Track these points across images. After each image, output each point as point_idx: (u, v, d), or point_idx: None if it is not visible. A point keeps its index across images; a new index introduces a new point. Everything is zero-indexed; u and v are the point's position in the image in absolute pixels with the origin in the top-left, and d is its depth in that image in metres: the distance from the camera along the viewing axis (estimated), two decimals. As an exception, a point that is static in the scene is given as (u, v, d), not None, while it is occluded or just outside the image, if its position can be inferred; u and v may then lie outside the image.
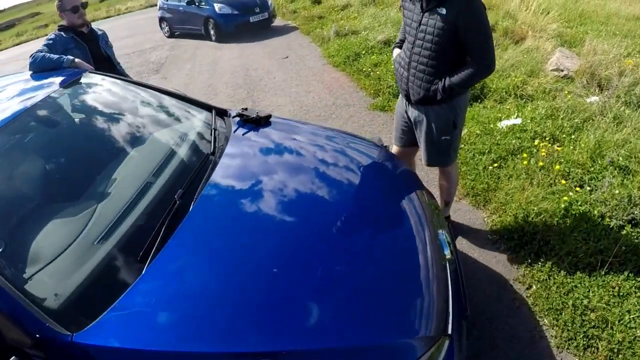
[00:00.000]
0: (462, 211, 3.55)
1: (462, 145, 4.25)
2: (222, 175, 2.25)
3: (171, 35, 13.62)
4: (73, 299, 1.64)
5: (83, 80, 2.91)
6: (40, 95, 2.54)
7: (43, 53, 3.18)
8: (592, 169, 3.51)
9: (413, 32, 2.66)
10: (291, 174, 2.31)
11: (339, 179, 2.35)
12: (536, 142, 3.95)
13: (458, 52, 2.56)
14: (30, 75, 3.02)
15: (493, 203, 3.49)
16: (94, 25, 3.89)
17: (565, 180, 3.46)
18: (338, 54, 7.80)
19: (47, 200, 2.18)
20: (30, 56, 3.14)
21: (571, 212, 3.11)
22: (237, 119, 2.83)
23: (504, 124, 4.43)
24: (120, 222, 1.94)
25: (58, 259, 1.78)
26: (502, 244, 3.15)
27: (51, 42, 3.46)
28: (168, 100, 3.00)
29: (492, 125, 4.44)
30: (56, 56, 3.16)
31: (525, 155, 3.80)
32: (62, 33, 3.59)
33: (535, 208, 3.21)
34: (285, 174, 2.30)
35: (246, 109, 2.88)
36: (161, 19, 13.87)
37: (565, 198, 3.21)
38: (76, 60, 3.21)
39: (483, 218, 3.44)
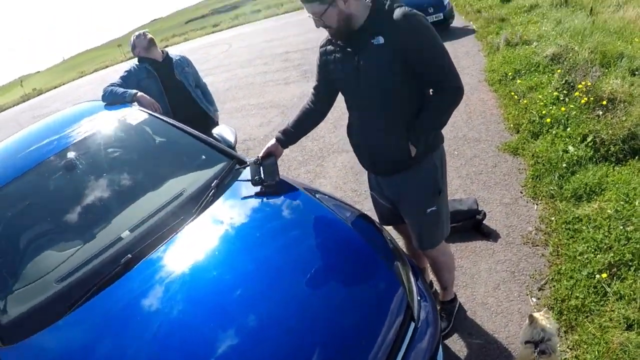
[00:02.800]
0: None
1: (578, 224, 3.27)
2: (182, 242, 2.23)
3: None
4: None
5: (127, 118, 3.10)
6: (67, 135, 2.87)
7: (112, 87, 3.46)
8: None
9: (352, 85, 2.14)
10: (251, 255, 2.16)
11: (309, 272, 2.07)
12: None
13: (413, 87, 2.07)
14: (100, 107, 3.33)
15: (576, 334, 2.56)
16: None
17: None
18: (499, 69, 6.74)
19: (34, 231, 2.54)
20: (103, 89, 3.46)
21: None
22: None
23: (655, 202, 3.25)
24: (79, 269, 2.14)
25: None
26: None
27: (126, 74, 3.77)
28: (193, 146, 2.96)
29: (636, 203, 3.28)
30: (122, 90, 3.40)
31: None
32: (137, 65, 3.87)
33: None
34: (243, 254, 2.16)
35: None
36: None
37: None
38: (138, 94, 3.40)
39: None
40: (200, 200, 2.40)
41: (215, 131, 3.22)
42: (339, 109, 2.58)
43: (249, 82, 10.73)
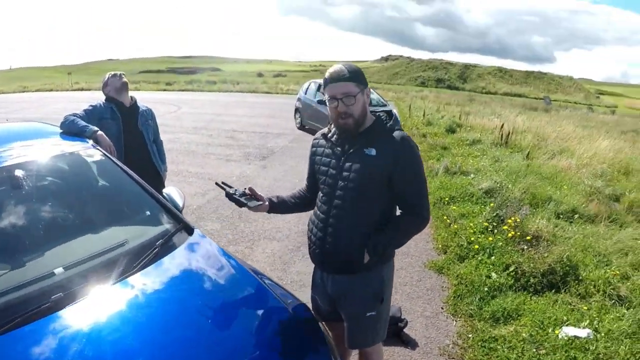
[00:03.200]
0: None
1: (494, 343, 3.30)
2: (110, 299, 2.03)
3: (301, 127, 14.19)
4: None
5: (81, 153, 2.95)
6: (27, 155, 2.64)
7: (74, 117, 3.35)
8: None
9: (331, 182, 2.19)
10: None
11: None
12: (587, 374, 2.85)
13: (385, 202, 2.16)
14: (54, 132, 3.20)
15: None
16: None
17: None
18: (435, 193, 7.11)
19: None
20: (64, 116, 3.34)
21: None
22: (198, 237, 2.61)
23: (565, 332, 3.35)
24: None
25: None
26: None
27: (91, 109, 3.70)
28: (142, 199, 2.83)
29: (549, 331, 3.39)
30: (83, 124, 3.29)
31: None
32: (103, 103, 3.82)
33: None
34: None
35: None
36: (296, 110, 14.72)
37: None
38: (98, 132, 3.29)
39: None
40: (142, 256, 2.27)
41: (165, 191, 3.14)
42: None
43: (191, 150, 10.65)
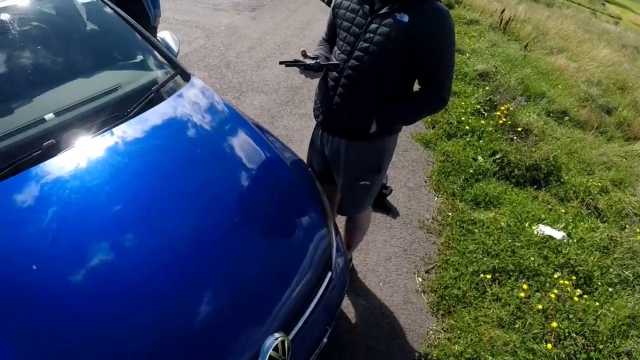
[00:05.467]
0: (413, 309, 2.69)
1: (472, 225, 3.37)
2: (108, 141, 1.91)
3: None
4: None
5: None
6: None
7: None
8: (602, 347, 2.51)
9: (351, 40, 2.00)
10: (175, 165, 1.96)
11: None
12: (556, 275, 2.95)
13: (404, 75, 1.99)
14: None
15: (452, 319, 2.61)
16: None
17: (555, 346, 2.49)
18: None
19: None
20: None
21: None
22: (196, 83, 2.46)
23: (541, 230, 3.43)
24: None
25: None
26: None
27: None
28: (136, 43, 2.60)
29: (525, 225, 3.45)
30: None
31: (526, 286, 2.83)
32: None
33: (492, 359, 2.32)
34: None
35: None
36: None
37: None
38: None
39: (428, 327, 2.59)
40: (137, 102, 2.10)
41: (160, 35, 2.86)
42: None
43: None
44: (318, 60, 1.96)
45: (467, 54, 7.59)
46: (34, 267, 1.39)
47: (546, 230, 3.43)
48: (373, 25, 1.92)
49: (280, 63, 1.93)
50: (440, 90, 1.98)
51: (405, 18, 1.85)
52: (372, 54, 1.93)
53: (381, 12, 1.90)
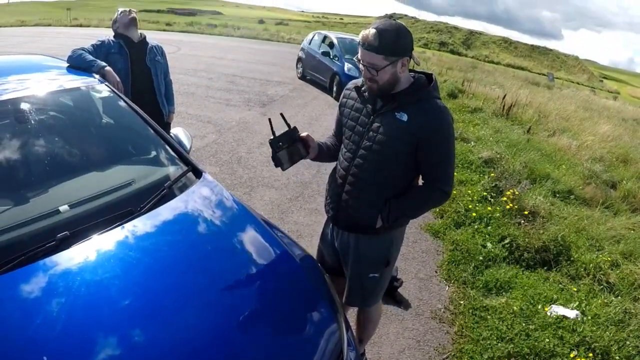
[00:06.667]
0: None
1: (485, 312, 3.39)
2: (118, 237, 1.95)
3: (302, 77, 14.00)
4: None
5: (88, 88, 2.82)
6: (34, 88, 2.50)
7: (81, 52, 3.25)
8: None
9: (356, 139, 2.11)
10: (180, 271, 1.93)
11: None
12: (572, 354, 2.95)
13: (408, 169, 2.08)
14: (60, 66, 3.04)
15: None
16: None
17: None
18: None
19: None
20: (72, 50, 3.24)
21: None
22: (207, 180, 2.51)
23: (554, 310, 3.45)
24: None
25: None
26: None
27: (99, 43, 3.64)
28: (150, 139, 2.72)
29: (538, 307, 3.48)
30: (91, 58, 3.20)
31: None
32: (112, 39, 3.76)
33: None
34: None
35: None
36: (298, 60, 14.48)
37: None
38: (106, 68, 3.22)
39: None
40: (149, 197, 2.19)
41: (173, 131, 3.05)
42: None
43: (190, 91, 10.42)
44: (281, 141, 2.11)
45: (472, 142, 7.91)
46: (44, 358, 1.42)
47: (559, 310, 3.45)
48: (375, 124, 2.04)
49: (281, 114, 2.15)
50: (442, 183, 2.06)
51: (405, 117, 1.97)
52: (376, 153, 2.04)
53: (382, 111, 2.03)
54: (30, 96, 2.45)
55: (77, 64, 3.10)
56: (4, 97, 2.32)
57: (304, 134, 2.20)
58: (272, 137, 2.13)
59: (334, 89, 11.55)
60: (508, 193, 5.32)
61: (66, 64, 3.09)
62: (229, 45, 24.03)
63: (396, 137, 2.00)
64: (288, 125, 2.17)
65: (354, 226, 2.23)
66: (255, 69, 14.82)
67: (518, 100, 12.77)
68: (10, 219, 1.89)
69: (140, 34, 3.89)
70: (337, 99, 11.28)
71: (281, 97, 10.98)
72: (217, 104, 9.26)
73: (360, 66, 2.01)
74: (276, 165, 2.17)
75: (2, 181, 2.12)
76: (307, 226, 4.61)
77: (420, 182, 2.21)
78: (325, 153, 2.35)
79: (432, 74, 2.11)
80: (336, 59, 11.80)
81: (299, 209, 4.98)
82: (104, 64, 3.23)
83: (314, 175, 5.89)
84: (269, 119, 2.13)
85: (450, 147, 2.03)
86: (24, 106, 2.40)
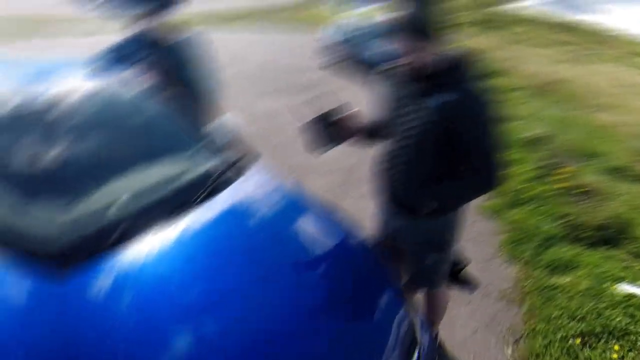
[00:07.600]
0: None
1: (552, 291, 3.43)
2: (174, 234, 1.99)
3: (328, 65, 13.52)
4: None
5: (127, 84, 2.85)
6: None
7: (115, 47, 3.21)
8: None
9: (399, 120, 2.08)
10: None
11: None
12: (648, 329, 2.99)
13: (446, 154, 2.01)
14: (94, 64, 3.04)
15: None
16: None
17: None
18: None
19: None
20: (106, 47, 3.23)
21: None
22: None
23: (623, 288, 3.47)
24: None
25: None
26: None
27: (132, 38, 3.37)
28: (196, 130, 2.77)
29: (605, 285, 3.51)
30: (124, 54, 3.15)
31: (618, 347, 2.87)
32: (147, 31, 3.49)
33: None
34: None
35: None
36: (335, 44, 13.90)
37: None
38: (142, 62, 3.12)
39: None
40: (201, 189, 2.21)
41: (221, 120, 3.06)
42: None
43: (230, 80, 10.47)
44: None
45: (518, 121, 7.80)
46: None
47: (628, 288, 3.47)
48: (407, 108, 2.02)
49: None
50: (482, 172, 1.99)
51: (437, 101, 1.91)
52: (413, 138, 2.02)
53: (414, 95, 2.00)
54: (75, 95, 2.48)
55: (110, 61, 3.08)
56: (45, 100, 2.34)
57: (350, 111, 2.22)
58: (310, 120, 2.17)
59: (371, 72, 11.41)
60: (560, 171, 5.28)
61: (101, 62, 3.07)
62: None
63: (431, 122, 1.94)
64: (327, 109, 2.20)
65: (403, 209, 2.24)
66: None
67: (562, 78, 12.45)
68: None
69: (176, 26, 3.80)
70: (375, 82, 11.18)
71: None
72: (263, 94, 9.30)
73: (394, 48, 1.97)
74: (314, 149, 2.22)
75: (64, 178, 2.15)
76: (359, 211, 4.67)
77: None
78: (371, 134, 2.34)
79: (466, 53, 2.02)
80: (370, 42, 11.67)
81: (349, 195, 5.05)
82: (139, 58, 3.15)
83: (360, 160, 5.92)
84: (308, 101, 2.17)
85: (488, 133, 1.95)
86: (64, 107, 2.39)
